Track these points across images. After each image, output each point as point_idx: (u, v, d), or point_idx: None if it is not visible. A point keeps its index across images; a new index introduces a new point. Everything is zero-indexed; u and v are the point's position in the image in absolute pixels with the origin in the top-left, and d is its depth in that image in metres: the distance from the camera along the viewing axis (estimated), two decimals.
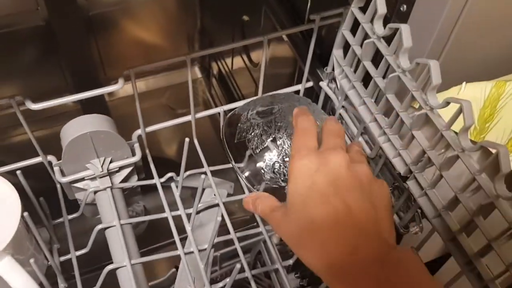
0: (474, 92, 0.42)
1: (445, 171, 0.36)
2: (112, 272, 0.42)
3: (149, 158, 0.49)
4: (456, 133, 0.34)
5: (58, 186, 0.48)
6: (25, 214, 0.37)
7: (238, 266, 0.39)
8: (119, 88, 0.40)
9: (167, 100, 1.15)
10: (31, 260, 0.36)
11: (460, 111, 0.33)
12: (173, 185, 0.49)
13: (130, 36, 1.08)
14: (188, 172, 0.49)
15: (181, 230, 0.47)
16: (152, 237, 0.63)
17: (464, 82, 0.43)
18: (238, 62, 1.06)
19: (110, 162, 0.45)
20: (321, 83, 0.53)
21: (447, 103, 0.34)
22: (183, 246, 0.45)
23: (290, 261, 0.53)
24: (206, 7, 1.08)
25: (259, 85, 0.53)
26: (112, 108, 1.05)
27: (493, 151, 0.31)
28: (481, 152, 0.33)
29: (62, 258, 0.45)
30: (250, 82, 0.99)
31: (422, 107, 0.37)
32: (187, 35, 1.14)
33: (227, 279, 0.42)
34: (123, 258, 0.42)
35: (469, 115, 0.33)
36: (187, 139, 0.44)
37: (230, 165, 0.52)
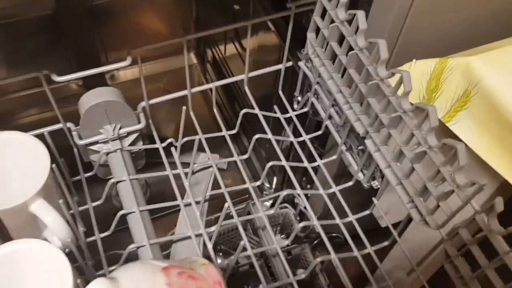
0: (422, 68, 0.51)
1: (392, 129, 0.45)
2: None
3: (152, 126, 0.58)
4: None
5: (75, 150, 0.56)
6: (53, 165, 0.46)
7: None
8: (128, 64, 0.48)
9: (165, 84, 1.24)
10: (60, 201, 0.45)
11: (401, 80, 0.42)
12: (172, 149, 0.58)
13: (131, 25, 1.16)
14: (185, 138, 0.58)
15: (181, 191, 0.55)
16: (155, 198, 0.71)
17: (414, 59, 0.51)
18: (230, 48, 1.15)
19: (120, 128, 0.54)
20: (299, 63, 0.62)
21: (392, 73, 0.43)
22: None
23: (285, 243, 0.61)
24: None
25: (245, 65, 0.61)
26: None
27: (422, 107, 0.40)
28: (417, 112, 0.42)
29: (81, 208, 0.53)
30: (242, 67, 1.08)
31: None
32: (183, 25, 1.23)
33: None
34: (133, 205, 0.51)
35: (408, 82, 0.41)
36: (184, 107, 0.53)
37: (222, 133, 0.61)
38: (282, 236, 0.84)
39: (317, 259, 0.50)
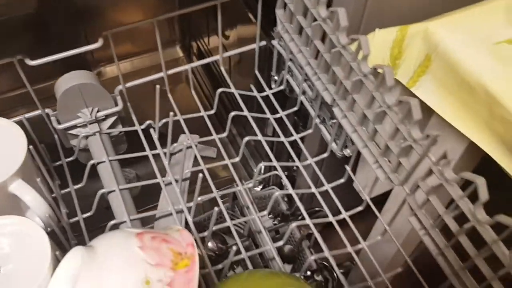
0: (384, 36, 0.52)
1: (355, 94, 0.46)
2: None
3: (130, 109, 0.59)
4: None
5: (56, 136, 0.58)
6: (31, 147, 0.47)
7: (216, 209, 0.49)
8: (99, 46, 0.50)
9: (156, 80, 1.26)
10: (38, 179, 0.46)
11: (359, 45, 0.43)
12: (151, 130, 0.59)
13: (115, 21, 1.18)
14: (164, 120, 0.60)
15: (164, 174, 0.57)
16: (143, 200, 0.72)
17: (377, 29, 0.53)
18: (215, 40, 1.17)
19: (98, 111, 0.56)
20: (273, 42, 0.63)
21: (351, 40, 0.45)
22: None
23: (265, 212, 0.62)
24: None
25: (219, 45, 0.63)
26: None
27: (380, 70, 0.41)
28: (376, 75, 0.44)
29: (63, 191, 0.55)
30: (225, 61, 1.10)
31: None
32: (167, 18, 1.24)
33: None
34: (113, 184, 0.53)
35: (366, 46, 0.43)
36: (157, 86, 0.55)
37: (200, 114, 0.62)
38: (270, 216, 0.86)
39: (293, 224, 0.51)
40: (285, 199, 0.90)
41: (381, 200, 0.67)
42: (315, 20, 0.50)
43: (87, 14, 1.13)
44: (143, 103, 0.63)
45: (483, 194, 0.35)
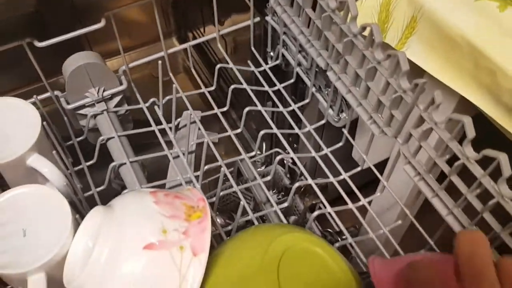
0: (371, 1, 0.55)
1: (347, 55, 0.49)
2: None
3: (134, 88, 0.62)
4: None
5: (65, 118, 0.61)
6: (44, 123, 0.50)
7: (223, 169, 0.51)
8: (102, 25, 0.53)
9: (151, 70, 1.28)
10: (54, 152, 0.49)
11: (347, 7, 0.46)
12: (156, 107, 0.62)
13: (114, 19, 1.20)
14: (167, 97, 0.62)
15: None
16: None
17: None
18: (210, 29, 1.19)
19: (104, 91, 0.58)
20: (266, 18, 0.66)
21: (339, 2, 0.48)
22: None
23: (268, 178, 0.64)
24: None
25: (215, 24, 0.66)
26: None
27: (368, 29, 0.44)
28: (364, 34, 0.46)
29: (76, 168, 0.58)
30: (222, 43, 1.12)
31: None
32: (162, 10, 1.27)
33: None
34: (124, 157, 0.55)
35: (353, 7, 0.46)
36: (159, 61, 0.57)
37: (202, 90, 0.65)
38: (274, 191, 0.88)
39: (296, 184, 0.54)
40: (288, 175, 0.92)
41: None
42: None
43: (85, 12, 1.15)
44: (142, 86, 0.66)
45: (470, 131, 0.38)
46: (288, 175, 0.93)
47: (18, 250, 0.42)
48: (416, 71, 0.54)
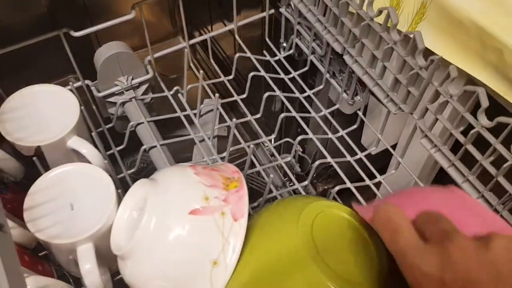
0: None
1: (364, 38, 0.53)
2: None
3: (158, 78, 0.66)
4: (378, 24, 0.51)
5: (94, 107, 0.64)
6: (82, 107, 0.54)
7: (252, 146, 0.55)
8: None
9: (159, 68, 1.31)
10: (93, 133, 0.53)
11: None
12: (180, 95, 0.66)
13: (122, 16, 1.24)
14: (190, 86, 0.66)
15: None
16: None
17: None
18: (217, 27, 1.23)
19: (132, 79, 0.62)
20: (280, 9, 0.70)
21: None
22: None
23: (288, 158, 0.68)
24: None
25: (233, 15, 0.69)
26: None
27: (385, 12, 0.48)
28: (380, 17, 0.50)
29: (108, 152, 0.61)
30: (230, 41, 1.16)
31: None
32: (168, 9, 1.31)
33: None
34: (153, 141, 0.59)
35: None
36: (186, 50, 0.61)
37: (221, 79, 0.69)
38: (286, 179, 0.92)
39: (316, 162, 0.57)
40: (298, 164, 0.96)
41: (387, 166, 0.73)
42: None
43: (96, 14, 1.19)
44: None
45: (484, 101, 0.41)
46: (298, 164, 0.97)
47: (67, 222, 0.46)
48: (424, 54, 0.58)
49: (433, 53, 0.58)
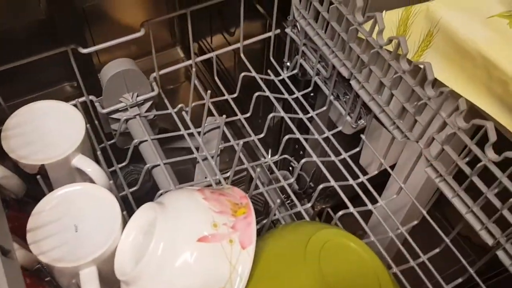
0: (391, 16, 0.59)
1: (372, 65, 0.53)
2: None
3: (163, 95, 0.65)
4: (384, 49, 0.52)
5: (96, 122, 0.64)
6: (87, 125, 0.53)
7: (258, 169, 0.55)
8: (141, 35, 0.56)
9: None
10: (98, 152, 0.52)
11: (375, 21, 0.50)
12: (184, 113, 0.65)
13: (119, 25, 1.24)
14: (194, 103, 0.66)
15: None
16: None
17: (384, 10, 0.60)
18: (217, 39, 1.23)
19: (137, 96, 0.62)
20: (286, 30, 0.70)
21: (367, 17, 0.52)
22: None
23: (291, 180, 0.68)
24: None
25: (240, 33, 0.69)
26: None
27: (395, 40, 0.48)
28: (390, 46, 0.50)
29: (110, 169, 0.61)
30: (230, 54, 1.16)
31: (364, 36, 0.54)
32: (168, 21, 1.31)
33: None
34: (157, 159, 0.58)
35: (381, 21, 0.50)
36: (193, 69, 0.61)
37: (225, 97, 0.69)
38: (284, 196, 0.92)
39: (320, 186, 0.58)
40: (295, 180, 0.96)
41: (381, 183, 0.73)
42: (331, 4, 0.57)
43: (94, 20, 1.18)
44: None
45: (492, 135, 0.42)
46: (295, 181, 0.97)
47: (71, 244, 0.45)
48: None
49: (440, 82, 0.59)
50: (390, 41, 0.50)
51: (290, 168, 0.99)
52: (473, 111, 0.58)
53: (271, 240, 0.47)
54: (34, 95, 1.17)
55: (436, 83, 0.60)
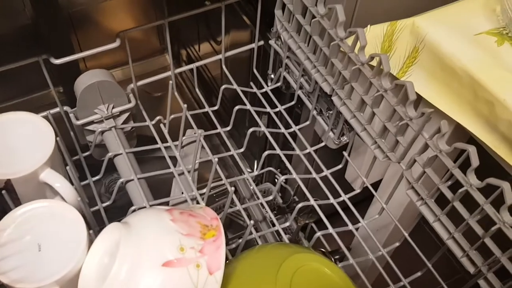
0: (376, 31, 0.58)
1: (354, 82, 0.52)
2: None
3: (140, 106, 0.63)
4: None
5: (72, 133, 0.61)
6: (58, 138, 0.51)
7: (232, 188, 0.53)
8: (117, 45, 0.54)
9: (143, 86, 1.30)
10: (67, 167, 0.50)
11: (357, 36, 0.49)
12: (161, 125, 0.63)
13: (107, 30, 1.22)
14: (172, 116, 0.64)
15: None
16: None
17: (369, 25, 0.58)
18: (204, 47, 1.21)
19: (113, 107, 0.60)
20: (270, 42, 0.68)
21: (349, 33, 0.50)
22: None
23: (270, 197, 0.66)
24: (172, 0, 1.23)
25: (222, 45, 0.67)
26: None
27: (376, 58, 0.47)
28: (372, 63, 0.49)
29: (83, 183, 0.58)
30: (217, 62, 1.14)
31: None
32: (157, 27, 1.29)
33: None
34: (131, 174, 0.56)
35: (363, 38, 0.48)
36: (171, 82, 0.59)
37: (205, 110, 0.67)
38: (266, 210, 0.90)
39: (299, 204, 0.56)
40: (280, 194, 0.94)
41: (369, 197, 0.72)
42: (313, 17, 0.55)
43: (81, 25, 1.17)
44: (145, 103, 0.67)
45: (475, 160, 0.40)
46: (280, 194, 0.95)
47: (33, 264, 0.43)
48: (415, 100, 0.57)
49: (428, 101, 0.57)
50: (371, 58, 0.48)
51: (276, 179, 0.97)
52: (460, 131, 0.56)
53: (243, 263, 0.45)
54: (20, 99, 1.15)
55: (422, 100, 0.58)
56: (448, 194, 0.44)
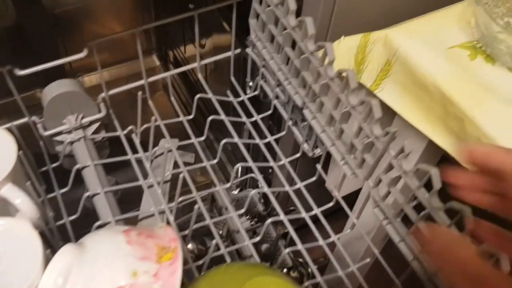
0: (349, 42, 0.57)
1: (323, 96, 0.50)
2: None
3: (112, 115, 0.62)
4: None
5: (41, 142, 0.60)
6: (20, 152, 0.50)
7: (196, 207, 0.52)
8: (84, 55, 0.53)
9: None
10: (28, 183, 0.49)
11: (326, 51, 0.47)
12: (133, 135, 0.62)
13: (92, 32, 1.21)
14: (145, 125, 0.63)
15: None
16: (123, 206, 0.75)
17: (343, 36, 0.57)
18: (190, 49, 1.20)
19: (82, 118, 0.58)
20: (247, 50, 0.67)
21: (318, 47, 0.49)
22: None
23: (242, 210, 0.65)
24: (159, 2, 1.21)
25: (196, 53, 0.66)
26: None
27: (344, 74, 0.45)
28: (340, 78, 0.48)
29: (49, 196, 0.57)
30: (202, 68, 1.13)
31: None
32: (145, 29, 1.27)
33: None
34: (98, 187, 0.55)
35: (330, 52, 0.47)
36: (139, 93, 0.58)
37: (180, 119, 0.65)
38: (247, 217, 0.89)
39: (268, 220, 0.55)
40: (262, 200, 0.93)
41: (353, 201, 0.71)
42: (285, 29, 0.54)
43: (66, 26, 1.15)
44: (122, 110, 0.66)
45: (437, 182, 0.39)
46: (262, 201, 0.94)
47: None
48: (389, 110, 0.56)
49: (394, 112, 0.56)
50: (339, 73, 0.47)
51: (259, 185, 0.96)
52: (435, 145, 0.55)
53: (205, 283, 0.44)
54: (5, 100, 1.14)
55: (397, 115, 0.57)
56: (412, 216, 0.43)
